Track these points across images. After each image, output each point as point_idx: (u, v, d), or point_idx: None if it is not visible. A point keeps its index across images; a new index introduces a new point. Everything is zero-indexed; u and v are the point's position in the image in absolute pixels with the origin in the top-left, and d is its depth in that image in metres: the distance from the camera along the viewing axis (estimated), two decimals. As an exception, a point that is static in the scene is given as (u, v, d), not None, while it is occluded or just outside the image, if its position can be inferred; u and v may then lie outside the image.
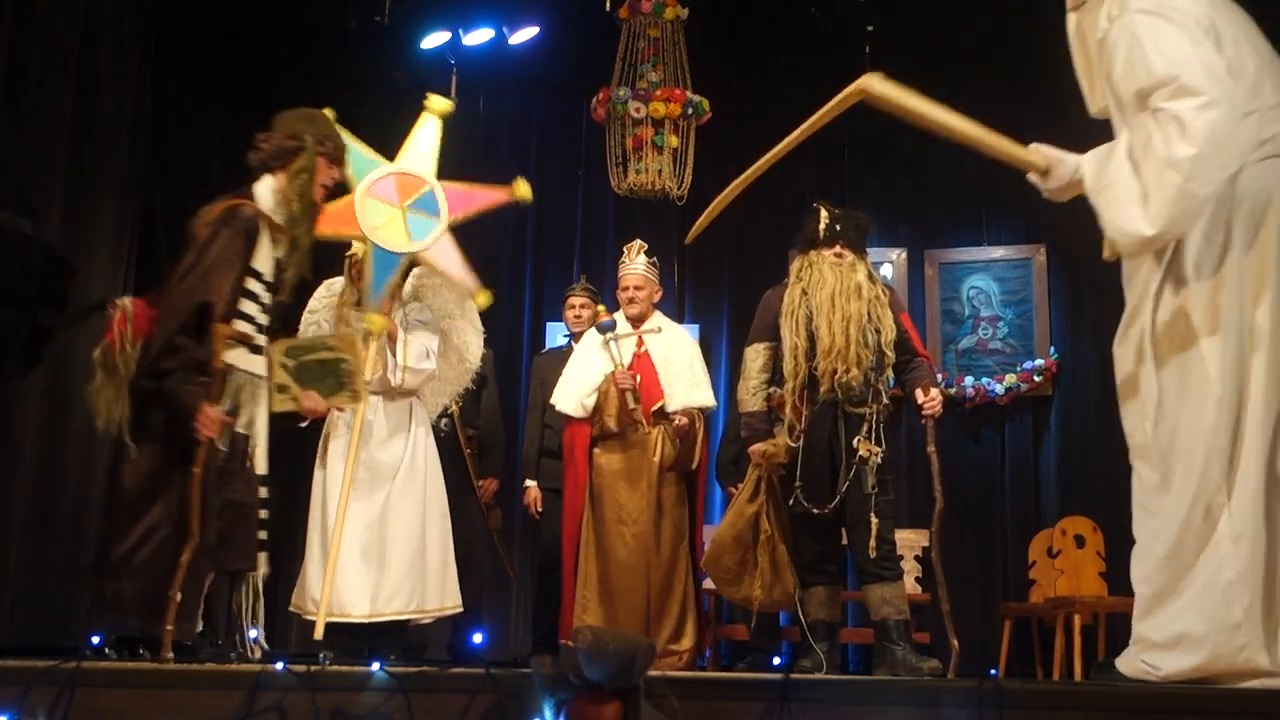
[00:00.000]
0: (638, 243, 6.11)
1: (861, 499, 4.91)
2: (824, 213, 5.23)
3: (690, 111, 6.80)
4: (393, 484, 5.25)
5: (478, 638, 6.64)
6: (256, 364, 4.20)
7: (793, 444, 4.93)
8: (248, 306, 4.12)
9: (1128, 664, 3.54)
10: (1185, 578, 3.25)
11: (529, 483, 6.41)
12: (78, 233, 6.10)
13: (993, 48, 7.97)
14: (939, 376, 7.80)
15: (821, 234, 5.17)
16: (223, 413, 4.01)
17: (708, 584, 7.40)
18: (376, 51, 8.02)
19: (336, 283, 5.58)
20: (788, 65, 8.22)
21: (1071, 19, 3.77)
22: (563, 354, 6.39)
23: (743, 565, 5.05)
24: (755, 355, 5.15)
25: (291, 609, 5.51)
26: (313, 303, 5.61)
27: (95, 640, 4.65)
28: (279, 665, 3.58)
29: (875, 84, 3.84)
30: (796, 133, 3.87)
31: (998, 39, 7.88)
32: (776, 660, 6.02)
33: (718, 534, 5.14)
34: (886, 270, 8.11)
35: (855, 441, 4.92)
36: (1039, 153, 3.62)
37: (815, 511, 4.92)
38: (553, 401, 5.90)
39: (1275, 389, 3.19)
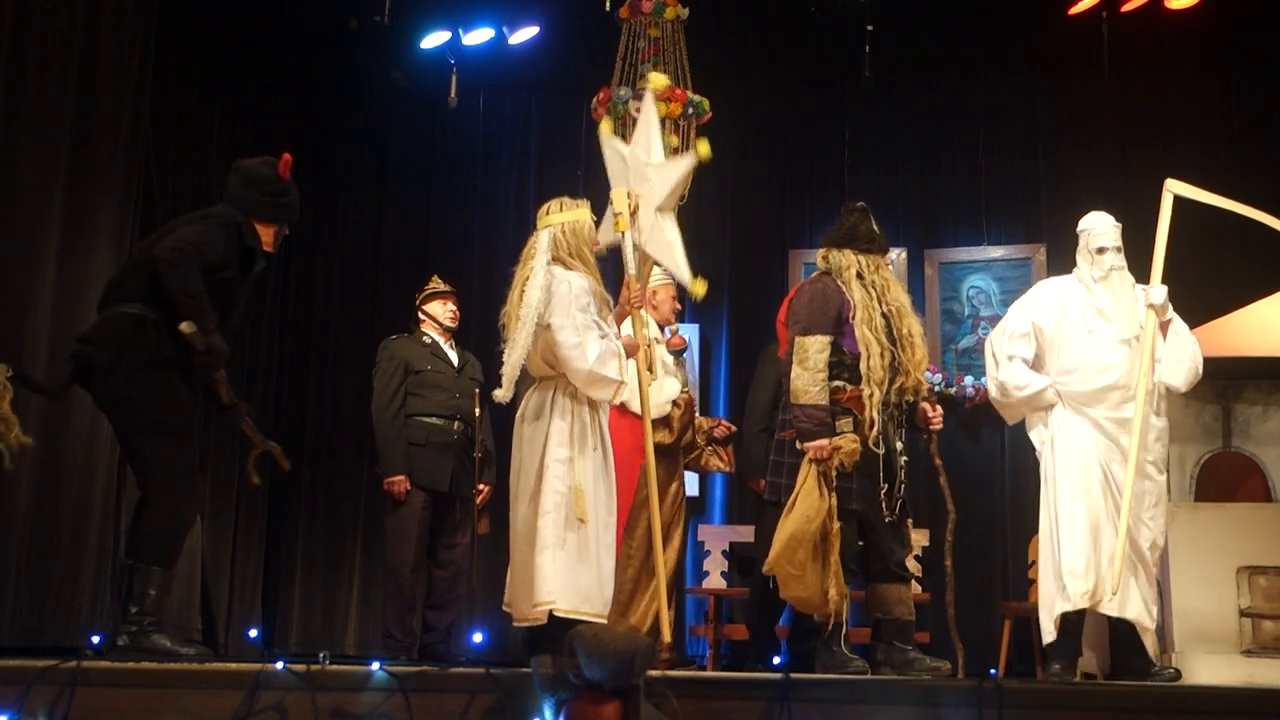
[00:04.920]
0: None
1: (896, 500, 4.92)
2: (872, 218, 5.16)
3: (690, 111, 6.80)
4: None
5: (477, 637, 6.64)
6: None
7: (869, 443, 4.81)
8: None
9: None
10: None
11: None
12: (78, 232, 6.10)
13: (992, 47, 7.97)
14: (939, 376, 7.82)
15: (879, 240, 5.08)
16: None
17: (708, 583, 7.43)
18: (376, 51, 8.02)
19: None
20: (788, 65, 8.23)
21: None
22: None
23: (809, 563, 4.91)
24: (821, 347, 4.86)
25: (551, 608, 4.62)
26: (530, 245, 5.00)
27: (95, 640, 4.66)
28: (279, 665, 3.58)
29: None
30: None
31: (998, 39, 7.89)
32: (776, 660, 6.01)
33: (793, 529, 4.81)
34: (886, 270, 8.11)
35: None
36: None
37: (863, 510, 4.87)
38: (625, 400, 5.49)
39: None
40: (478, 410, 6.12)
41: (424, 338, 6.26)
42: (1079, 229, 5.16)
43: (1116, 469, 4.79)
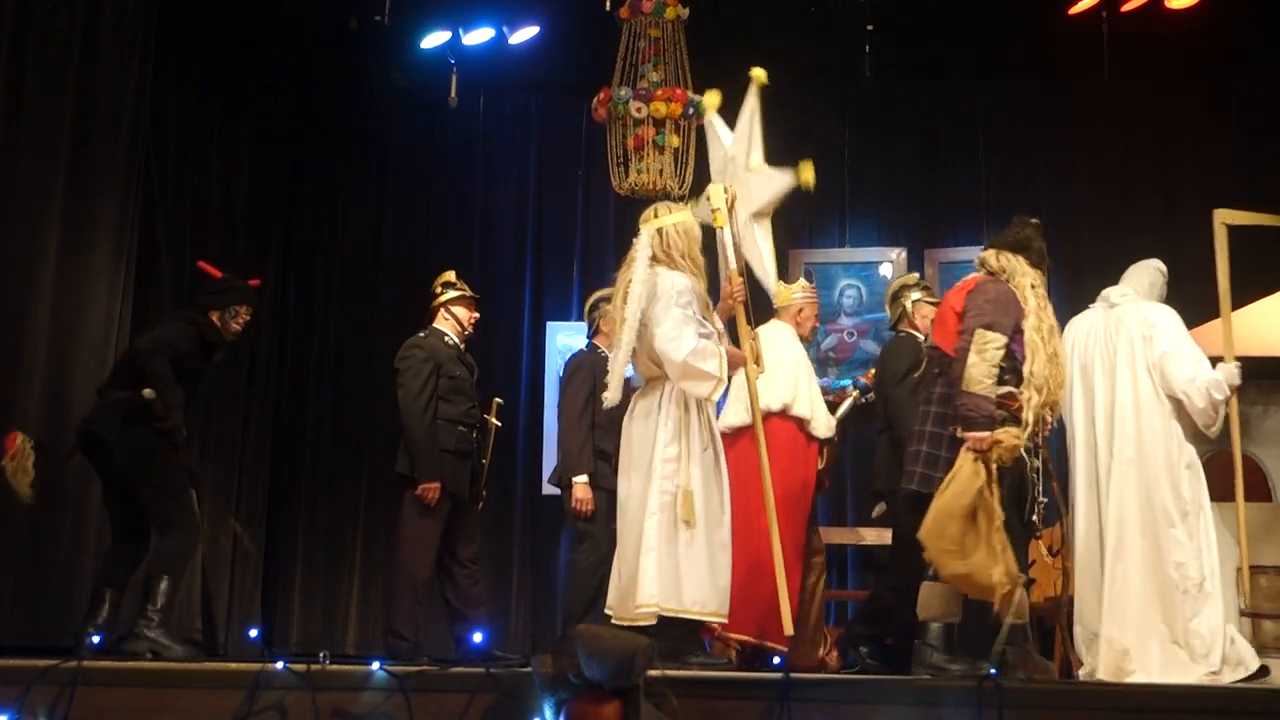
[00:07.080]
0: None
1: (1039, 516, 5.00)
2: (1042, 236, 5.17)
3: (691, 111, 6.80)
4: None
5: (478, 637, 6.61)
6: None
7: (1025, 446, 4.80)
8: None
9: None
10: None
11: (580, 479, 6.05)
12: (78, 232, 6.10)
13: (992, 48, 7.97)
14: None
15: (1046, 259, 5.14)
16: None
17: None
18: (376, 51, 8.02)
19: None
20: (788, 65, 8.22)
21: None
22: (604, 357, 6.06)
23: (964, 537, 4.87)
24: (1000, 344, 4.83)
25: (650, 608, 4.59)
26: (633, 249, 5.05)
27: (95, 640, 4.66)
28: (279, 665, 3.58)
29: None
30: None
31: (998, 39, 7.89)
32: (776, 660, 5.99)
33: (943, 503, 4.72)
34: (886, 270, 8.10)
35: (1044, 452, 5.07)
36: None
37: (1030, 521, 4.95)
38: (787, 405, 5.85)
39: None
40: (497, 421, 6.10)
41: (445, 338, 6.10)
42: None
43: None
